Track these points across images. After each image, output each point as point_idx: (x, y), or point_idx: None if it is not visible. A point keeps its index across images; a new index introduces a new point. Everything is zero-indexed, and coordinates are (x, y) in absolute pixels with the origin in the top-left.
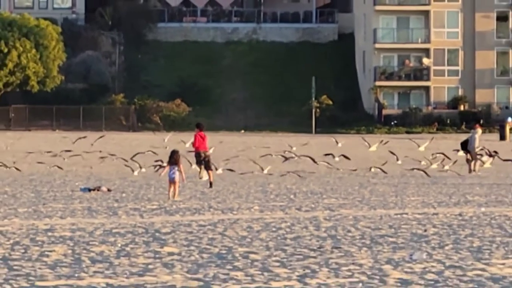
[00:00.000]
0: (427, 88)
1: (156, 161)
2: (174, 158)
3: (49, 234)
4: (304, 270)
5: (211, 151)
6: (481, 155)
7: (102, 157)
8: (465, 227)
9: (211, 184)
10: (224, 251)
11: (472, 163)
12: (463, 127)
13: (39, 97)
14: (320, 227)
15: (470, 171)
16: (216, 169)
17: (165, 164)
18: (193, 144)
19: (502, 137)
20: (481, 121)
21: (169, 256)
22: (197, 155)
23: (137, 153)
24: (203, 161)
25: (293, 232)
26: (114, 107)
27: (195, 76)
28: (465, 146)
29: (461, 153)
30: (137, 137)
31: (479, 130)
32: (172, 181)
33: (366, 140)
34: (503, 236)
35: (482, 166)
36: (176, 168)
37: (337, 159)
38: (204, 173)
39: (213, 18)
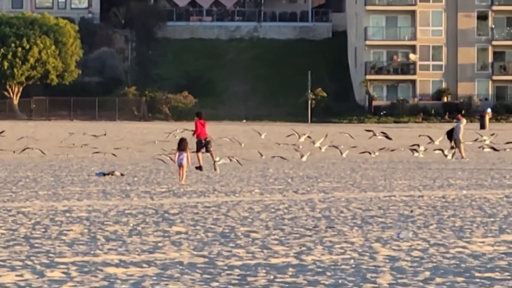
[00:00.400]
0: (413, 82)
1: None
2: (182, 145)
3: (67, 214)
4: (300, 247)
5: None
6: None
7: (116, 149)
8: (448, 208)
9: (214, 163)
10: (227, 230)
11: (457, 150)
12: (446, 117)
13: (58, 90)
14: (315, 208)
15: (453, 156)
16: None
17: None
18: (195, 131)
19: (482, 126)
20: (463, 112)
21: (177, 235)
22: (199, 142)
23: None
24: (204, 146)
25: (290, 213)
26: (126, 98)
27: (200, 70)
28: (451, 134)
29: (437, 142)
30: (147, 126)
31: (464, 120)
32: (180, 165)
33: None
34: (483, 217)
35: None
36: (184, 154)
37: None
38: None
39: (217, 17)
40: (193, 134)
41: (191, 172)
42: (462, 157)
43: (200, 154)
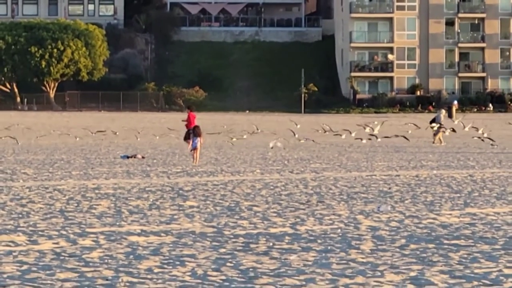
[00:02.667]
0: (391, 78)
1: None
2: (196, 131)
3: (96, 191)
4: (295, 219)
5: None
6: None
7: (139, 132)
8: (420, 186)
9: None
10: (233, 205)
11: (438, 136)
12: (419, 108)
13: (88, 85)
14: (308, 186)
15: (440, 142)
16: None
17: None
18: (187, 121)
19: (450, 116)
20: (433, 104)
21: (190, 208)
22: (188, 131)
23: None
24: (193, 131)
25: (286, 189)
26: (147, 92)
27: (210, 68)
28: (433, 123)
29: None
30: (164, 116)
31: (443, 111)
32: (195, 148)
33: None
34: (450, 193)
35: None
36: (198, 139)
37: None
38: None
39: (224, 23)
40: (186, 124)
41: (201, 155)
42: (433, 142)
43: (190, 141)
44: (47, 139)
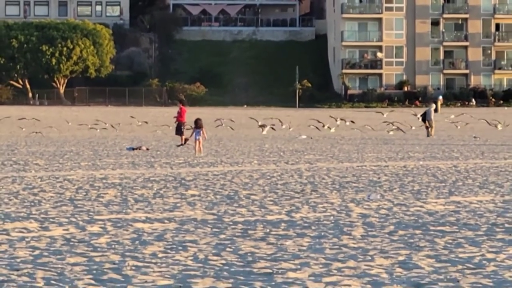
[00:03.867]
0: (380, 75)
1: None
2: (198, 124)
3: (104, 181)
4: (290, 207)
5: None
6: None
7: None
8: (408, 176)
9: (185, 141)
10: (232, 193)
11: (430, 129)
12: (406, 103)
13: (95, 81)
14: (302, 176)
15: (427, 135)
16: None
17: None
18: (180, 115)
19: (435, 110)
20: (420, 98)
21: (191, 197)
22: (180, 124)
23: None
24: (195, 124)
25: (282, 179)
26: (151, 88)
27: (210, 66)
28: (424, 117)
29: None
30: (167, 110)
31: (434, 105)
32: (197, 140)
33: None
34: (436, 182)
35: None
36: (200, 131)
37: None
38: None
39: (223, 23)
40: (176, 118)
41: (203, 147)
42: (430, 135)
43: (183, 135)
44: (58, 132)
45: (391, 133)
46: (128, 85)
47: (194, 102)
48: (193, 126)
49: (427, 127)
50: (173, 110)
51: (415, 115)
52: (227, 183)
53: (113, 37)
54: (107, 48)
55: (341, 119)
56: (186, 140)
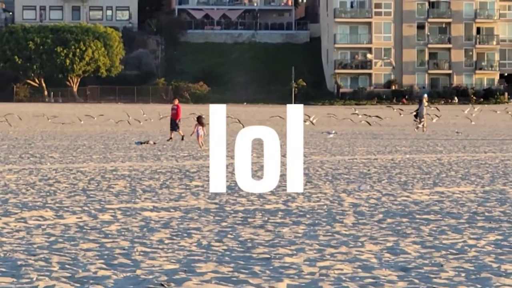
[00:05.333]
0: (370, 74)
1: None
2: (200, 120)
3: (114, 173)
4: (287, 197)
5: (331, 135)
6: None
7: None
8: (395, 168)
9: (183, 137)
10: (233, 184)
11: (421, 124)
12: (394, 100)
13: (106, 80)
14: None
15: (417, 128)
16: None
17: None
18: (176, 111)
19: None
20: (406, 97)
21: (195, 187)
22: (174, 120)
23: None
24: (198, 121)
25: (280, 171)
26: (157, 87)
27: (212, 66)
28: (417, 113)
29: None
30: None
31: (426, 102)
32: (199, 136)
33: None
34: (421, 174)
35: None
36: (201, 127)
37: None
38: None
39: (225, 27)
40: (176, 116)
41: (205, 141)
42: (418, 128)
43: (180, 131)
44: (71, 127)
45: (330, 135)
46: (136, 84)
47: (197, 100)
48: (195, 122)
49: (419, 123)
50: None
51: (402, 110)
52: (228, 175)
53: (122, 39)
54: (117, 50)
55: (367, 116)
56: (182, 137)
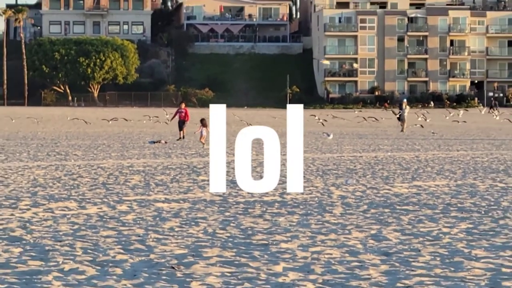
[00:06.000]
0: (355, 82)
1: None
2: (203, 122)
3: (130, 168)
4: (282, 190)
5: (331, 136)
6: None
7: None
8: (378, 164)
9: (183, 137)
10: (235, 179)
11: (404, 126)
12: (377, 104)
13: (123, 87)
14: None
15: (402, 130)
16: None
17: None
18: (184, 114)
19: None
20: (388, 101)
21: (202, 181)
22: (182, 122)
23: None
24: (184, 125)
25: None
26: (168, 93)
27: (216, 74)
28: (400, 117)
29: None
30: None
31: (408, 107)
32: (202, 135)
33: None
34: (401, 170)
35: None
36: (204, 128)
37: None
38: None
39: (227, 39)
40: (179, 116)
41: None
42: (403, 131)
43: (184, 130)
44: (93, 128)
45: (330, 136)
46: (149, 90)
47: (203, 104)
48: (199, 124)
49: (401, 125)
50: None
51: (394, 113)
52: (231, 170)
53: (137, 51)
54: (133, 60)
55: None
56: (180, 135)
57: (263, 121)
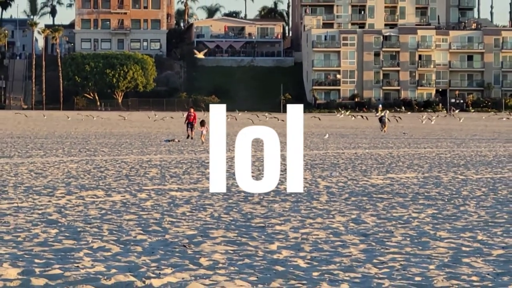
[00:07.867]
0: (339, 90)
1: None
2: (203, 123)
3: (149, 163)
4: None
5: (326, 136)
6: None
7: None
8: (357, 159)
9: (192, 137)
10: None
11: (384, 128)
12: (357, 109)
13: (143, 94)
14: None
15: (381, 130)
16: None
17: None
18: (193, 117)
19: (378, 115)
20: (366, 106)
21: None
22: (191, 123)
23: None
24: (192, 126)
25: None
26: (181, 99)
27: (221, 84)
28: (381, 120)
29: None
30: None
31: (388, 112)
32: (202, 134)
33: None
34: (378, 164)
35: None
36: (204, 128)
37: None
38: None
39: (231, 54)
40: (188, 119)
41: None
42: (384, 131)
43: (189, 130)
44: (117, 128)
45: (326, 136)
46: (165, 96)
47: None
48: (200, 125)
49: (381, 126)
50: (196, 114)
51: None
52: (233, 164)
53: (155, 64)
54: (151, 71)
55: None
56: (190, 135)
57: (261, 122)
